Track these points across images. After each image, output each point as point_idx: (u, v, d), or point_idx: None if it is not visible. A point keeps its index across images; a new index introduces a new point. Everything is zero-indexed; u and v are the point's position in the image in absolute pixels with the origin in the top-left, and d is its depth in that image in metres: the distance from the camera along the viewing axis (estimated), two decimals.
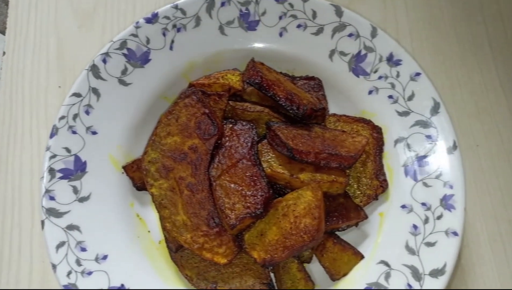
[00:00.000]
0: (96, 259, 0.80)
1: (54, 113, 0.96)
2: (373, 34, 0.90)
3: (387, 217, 0.85)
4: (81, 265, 0.79)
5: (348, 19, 0.90)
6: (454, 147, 0.85)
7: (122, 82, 0.88)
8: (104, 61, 0.88)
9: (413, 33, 1.06)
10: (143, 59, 0.89)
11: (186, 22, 0.90)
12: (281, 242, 0.77)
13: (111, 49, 0.88)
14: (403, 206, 0.84)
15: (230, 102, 0.86)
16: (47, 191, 0.82)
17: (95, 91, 0.87)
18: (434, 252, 0.80)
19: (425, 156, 0.85)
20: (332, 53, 0.91)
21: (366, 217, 0.84)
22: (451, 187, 0.83)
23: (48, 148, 0.83)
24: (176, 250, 0.83)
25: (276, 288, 0.83)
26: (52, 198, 0.81)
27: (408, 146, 0.87)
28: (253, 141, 0.82)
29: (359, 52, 0.90)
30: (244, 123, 0.83)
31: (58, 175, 0.83)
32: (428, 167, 0.85)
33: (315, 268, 0.86)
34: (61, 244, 0.80)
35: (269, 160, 0.83)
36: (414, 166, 0.86)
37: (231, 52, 0.92)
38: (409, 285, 0.80)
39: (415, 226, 0.82)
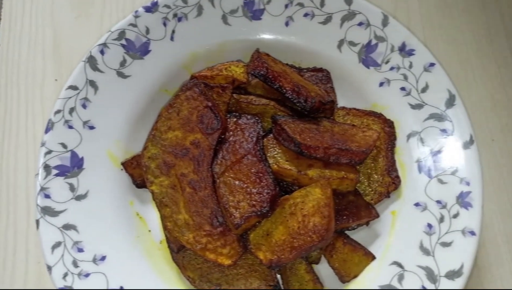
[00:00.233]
0: (94, 260, 0.78)
1: (50, 107, 0.92)
2: (384, 22, 0.87)
3: (399, 216, 0.83)
4: (78, 266, 0.77)
5: (357, 7, 0.87)
6: (471, 141, 0.82)
7: (120, 74, 0.86)
8: (102, 52, 0.85)
9: (425, 22, 1.03)
10: (143, 50, 0.86)
11: (187, 11, 0.88)
12: (288, 242, 0.75)
13: (109, 40, 0.86)
14: (417, 204, 0.82)
15: (234, 95, 0.84)
16: (42, 188, 0.79)
17: (92, 83, 0.84)
18: (450, 252, 0.77)
19: (440, 151, 0.83)
20: (341, 43, 0.89)
21: (377, 215, 0.82)
22: (467, 183, 0.80)
23: (43, 144, 0.81)
24: (178, 251, 0.81)
25: None
26: (47, 196, 0.79)
27: (422, 140, 0.84)
28: (259, 136, 0.79)
29: (370, 42, 0.88)
30: (249, 117, 0.81)
31: (54, 172, 0.80)
32: (443, 163, 0.82)
33: (323, 269, 0.84)
34: (57, 245, 0.77)
35: (276, 155, 0.81)
36: (428, 161, 0.83)
37: (235, 43, 0.90)
38: (423, 287, 0.77)
39: (429, 225, 0.80)
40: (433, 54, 0.86)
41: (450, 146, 0.82)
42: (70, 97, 0.83)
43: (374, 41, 0.88)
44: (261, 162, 0.78)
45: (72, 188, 0.81)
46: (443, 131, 0.83)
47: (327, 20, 0.89)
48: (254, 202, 0.75)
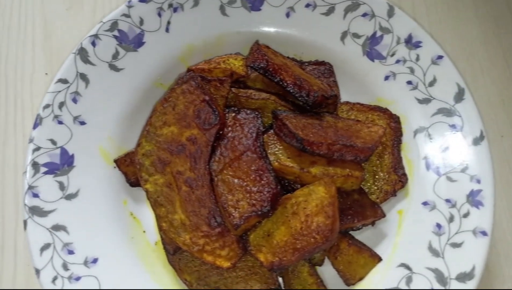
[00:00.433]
0: (85, 263, 0.76)
1: (40, 103, 0.88)
2: (390, 13, 0.85)
3: (407, 215, 0.81)
4: (68, 269, 0.74)
5: None
6: (481, 137, 0.80)
7: (113, 67, 0.84)
8: (93, 44, 0.83)
9: (430, 15, 1.01)
10: (136, 42, 0.84)
11: (183, 1, 0.86)
12: (290, 243, 0.72)
13: (101, 31, 0.83)
14: (425, 203, 0.80)
15: (232, 89, 0.83)
16: (30, 187, 0.77)
17: (83, 77, 0.82)
18: (461, 253, 0.75)
19: (448, 148, 0.81)
20: (344, 35, 0.87)
21: (383, 215, 0.79)
22: (478, 181, 0.78)
23: (31, 140, 0.78)
24: (174, 252, 0.78)
25: None
26: (35, 195, 0.77)
27: (430, 136, 0.82)
28: (259, 132, 0.77)
29: (374, 33, 0.86)
30: (248, 111, 0.79)
31: (43, 169, 0.78)
32: (452, 159, 0.80)
33: (327, 271, 0.81)
34: (45, 247, 0.75)
35: (277, 152, 0.78)
36: (436, 158, 0.81)
37: (233, 35, 0.88)
38: None
39: (438, 225, 0.78)
40: (441, 46, 0.84)
41: (459, 142, 0.80)
42: (59, 91, 0.81)
43: (379, 33, 0.86)
44: (262, 159, 0.75)
45: (62, 186, 0.78)
46: (452, 126, 0.81)
47: (330, 10, 0.86)
48: (254, 201, 0.73)
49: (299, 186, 0.77)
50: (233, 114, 0.79)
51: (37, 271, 0.73)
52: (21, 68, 0.96)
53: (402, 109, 0.84)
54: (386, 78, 0.86)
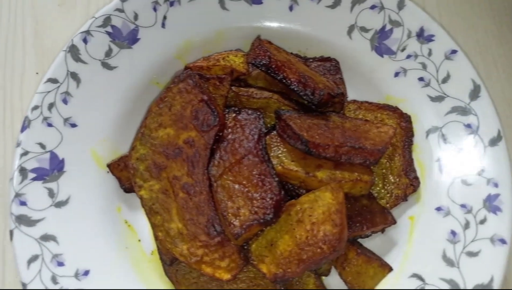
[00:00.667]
0: (76, 276, 0.73)
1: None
2: (400, 5, 0.84)
3: (419, 222, 0.78)
4: (57, 283, 0.72)
5: None
6: (499, 137, 0.78)
7: (106, 66, 0.81)
8: (85, 40, 0.81)
9: (441, 8, 0.98)
10: (131, 38, 0.82)
11: None
12: (295, 254, 0.69)
13: (93, 27, 0.81)
14: (439, 209, 0.78)
15: (232, 87, 0.81)
16: (18, 195, 0.74)
17: (74, 76, 0.80)
18: (478, 263, 0.73)
19: (463, 149, 0.78)
20: (351, 29, 0.85)
21: (394, 221, 0.77)
22: (495, 185, 0.76)
23: (18, 144, 0.76)
24: (171, 263, 0.76)
25: None
26: (23, 203, 0.74)
27: (443, 137, 0.80)
28: (261, 133, 0.75)
29: (384, 27, 0.84)
30: (249, 112, 0.76)
31: (31, 175, 0.76)
32: (467, 162, 0.78)
33: (334, 282, 0.78)
34: (33, 258, 0.72)
35: (280, 155, 0.76)
36: (450, 160, 0.79)
37: (234, 30, 0.86)
38: None
39: (453, 232, 0.76)
40: (455, 40, 0.82)
41: (475, 143, 0.78)
42: (49, 91, 0.78)
43: (388, 26, 0.83)
44: (264, 163, 0.73)
45: (51, 193, 0.76)
46: (467, 126, 0.79)
47: (336, 3, 0.84)
48: (256, 209, 0.70)
49: (304, 191, 0.75)
50: (234, 115, 0.77)
51: (24, 285, 0.71)
52: (11, 67, 0.94)
53: (414, 107, 0.82)
54: (396, 74, 0.83)
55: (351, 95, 0.86)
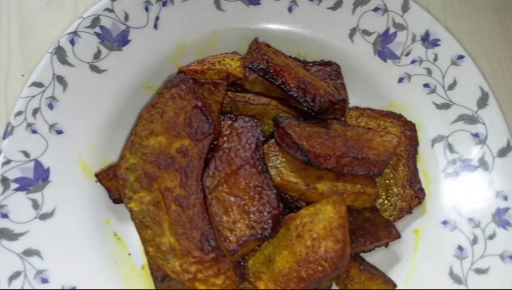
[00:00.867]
0: None
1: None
2: (404, 8, 0.83)
3: (424, 236, 0.77)
4: None
5: None
6: (508, 148, 0.76)
7: (94, 69, 0.80)
8: (72, 42, 0.79)
9: (446, 10, 0.95)
10: (121, 40, 0.81)
11: None
12: (294, 271, 0.66)
13: (81, 28, 0.79)
14: (445, 222, 0.76)
15: (228, 92, 0.79)
16: None
17: (60, 79, 0.78)
18: (487, 281, 0.72)
19: (471, 159, 0.77)
20: (353, 32, 0.83)
21: (398, 236, 0.74)
22: (505, 198, 0.74)
23: (0, 152, 0.74)
24: (163, 280, 0.73)
25: None
26: (5, 216, 0.72)
27: (450, 146, 0.79)
28: (258, 142, 0.73)
29: (387, 30, 0.82)
30: (246, 119, 0.74)
31: (13, 186, 0.74)
32: (475, 173, 0.76)
33: None
34: (15, 275, 0.70)
35: (278, 165, 0.73)
36: (458, 171, 0.77)
37: (230, 32, 0.85)
38: None
39: (460, 248, 0.74)
40: (462, 44, 0.80)
41: (483, 153, 0.77)
42: (33, 96, 0.77)
43: (392, 30, 0.82)
44: (261, 174, 0.70)
45: (35, 205, 0.74)
46: (475, 135, 0.78)
47: (337, 4, 0.83)
48: (253, 223, 0.68)
49: (304, 204, 0.72)
50: (229, 122, 0.75)
51: None
52: None
53: (418, 115, 0.81)
54: (400, 80, 0.82)
55: (353, 101, 0.85)
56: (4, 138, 0.74)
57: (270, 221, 0.67)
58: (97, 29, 0.79)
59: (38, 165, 0.74)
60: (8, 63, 0.90)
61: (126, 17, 0.80)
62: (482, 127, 0.76)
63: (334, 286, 0.75)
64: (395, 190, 0.77)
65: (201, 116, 0.72)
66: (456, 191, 0.76)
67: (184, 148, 0.71)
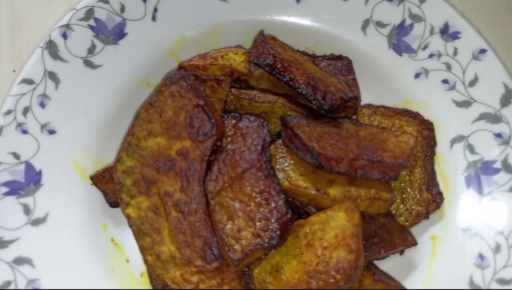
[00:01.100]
0: None
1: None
2: None
3: (442, 243, 0.75)
4: None
5: None
6: None
7: (88, 64, 0.79)
8: (64, 36, 0.77)
9: (465, 2, 0.92)
10: (117, 33, 0.79)
11: None
12: (303, 282, 0.63)
13: (74, 20, 0.78)
14: (465, 228, 0.74)
15: (232, 89, 0.78)
16: None
17: (52, 76, 0.77)
18: None
19: (493, 161, 0.75)
20: (366, 24, 0.82)
21: (415, 243, 0.72)
22: None
23: None
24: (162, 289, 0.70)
25: None
26: None
27: (470, 147, 0.77)
28: (264, 143, 0.70)
29: (403, 22, 0.80)
30: (251, 118, 0.73)
31: (3, 190, 0.73)
32: (498, 176, 0.74)
33: None
34: (5, 285, 0.69)
35: (286, 168, 0.70)
36: (478, 174, 0.76)
37: (234, 24, 0.83)
38: None
39: (481, 256, 0.72)
40: (484, 37, 0.77)
41: (506, 155, 0.74)
42: (24, 94, 0.75)
43: (408, 21, 0.80)
44: (268, 178, 0.68)
45: (27, 210, 0.73)
46: (498, 135, 0.75)
47: None
48: (259, 231, 0.65)
49: (314, 209, 0.69)
50: (234, 122, 0.73)
51: None
52: None
53: (436, 113, 0.79)
54: (417, 75, 0.80)
55: (366, 98, 0.83)
56: None
57: (277, 229, 0.65)
58: (91, 22, 0.78)
59: (29, 167, 0.74)
60: None
61: (122, 9, 0.79)
62: (506, 126, 0.75)
63: None
64: (411, 193, 0.76)
65: (203, 116, 0.70)
66: (477, 195, 0.73)
67: (185, 149, 0.69)
